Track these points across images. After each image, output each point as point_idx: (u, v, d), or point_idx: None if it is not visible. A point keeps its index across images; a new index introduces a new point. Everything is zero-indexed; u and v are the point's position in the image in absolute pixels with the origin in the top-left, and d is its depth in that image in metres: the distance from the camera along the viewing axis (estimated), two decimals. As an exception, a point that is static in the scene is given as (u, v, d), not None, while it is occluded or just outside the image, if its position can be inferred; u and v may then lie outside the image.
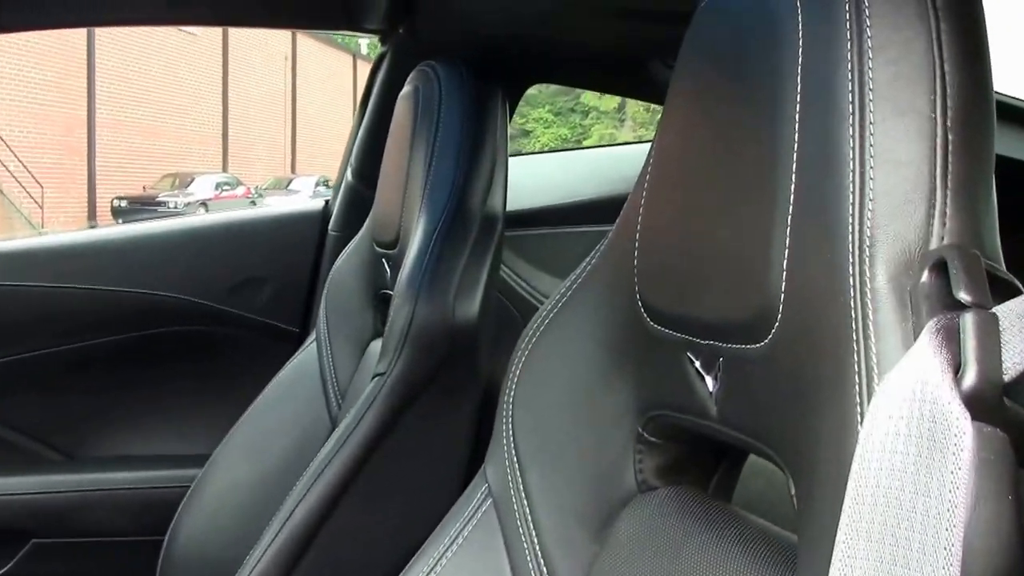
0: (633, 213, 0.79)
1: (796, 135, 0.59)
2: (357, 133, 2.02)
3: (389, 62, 1.91)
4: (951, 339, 0.49)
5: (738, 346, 0.65)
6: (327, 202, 2.12)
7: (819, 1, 0.60)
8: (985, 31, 0.58)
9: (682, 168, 0.72)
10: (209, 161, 21.37)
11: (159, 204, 17.19)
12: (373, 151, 1.85)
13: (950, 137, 0.54)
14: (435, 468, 1.40)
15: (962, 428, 0.46)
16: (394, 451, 1.36)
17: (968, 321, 0.48)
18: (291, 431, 1.67)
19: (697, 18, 0.74)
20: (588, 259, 0.86)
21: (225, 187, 19.11)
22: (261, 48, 23.19)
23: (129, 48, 18.47)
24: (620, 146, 2.32)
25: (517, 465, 0.86)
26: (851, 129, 0.55)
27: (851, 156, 0.55)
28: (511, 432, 0.88)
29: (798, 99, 0.59)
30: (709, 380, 0.69)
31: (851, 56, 0.56)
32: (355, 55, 26.73)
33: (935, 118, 0.54)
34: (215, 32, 20.91)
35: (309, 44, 25.25)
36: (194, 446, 1.94)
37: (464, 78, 1.51)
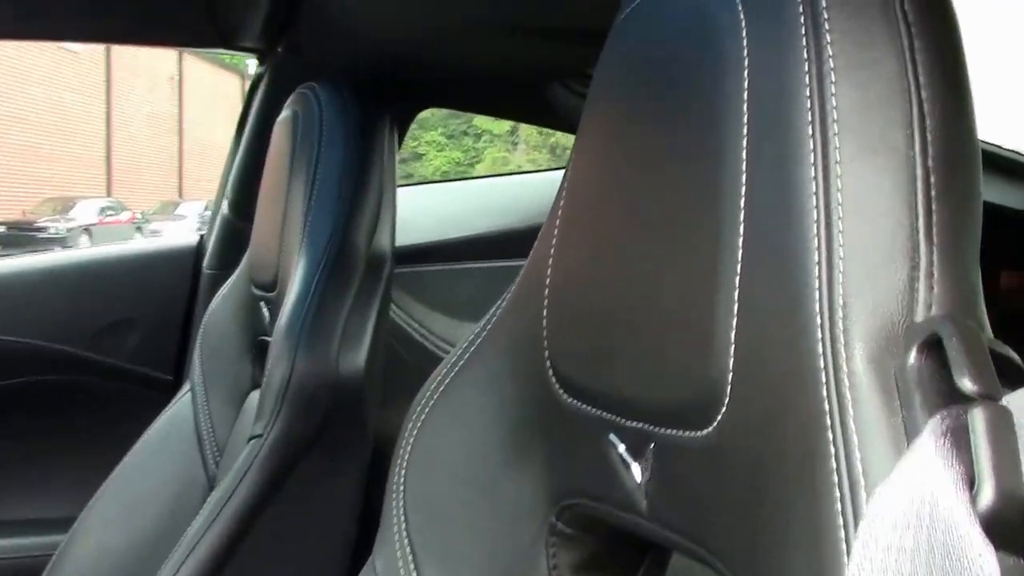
0: (541, 261, 0.68)
1: (744, 176, 0.49)
2: (234, 161, 1.88)
3: (267, 83, 1.79)
4: (961, 445, 0.39)
5: (673, 432, 0.54)
6: (202, 237, 1.97)
7: (767, 9, 0.50)
8: (962, 47, 0.48)
9: (599, 211, 0.62)
10: (94, 185, 20.85)
11: (39, 230, 16.68)
12: (251, 181, 1.72)
13: (932, 179, 0.45)
14: (321, 538, 1.28)
15: (986, 567, 0.36)
16: (275, 522, 1.23)
17: (978, 420, 0.39)
18: (164, 492, 1.53)
19: (617, 29, 0.63)
20: (491, 313, 0.74)
21: (109, 212, 18.65)
22: (146, 69, 22.74)
23: (3, 67, 17.89)
24: (516, 175, 2.23)
25: (411, 559, 0.74)
26: (813, 170, 0.46)
27: (814, 204, 0.45)
28: (403, 519, 0.75)
29: (745, 131, 0.49)
30: (636, 468, 0.58)
31: (810, 80, 0.46)
32: (243, 75, 26.41)
33: (913, 156, 0.45)
34: (98, 52, 20.45)
35: (196, 65, 24.86)
36: (56, 509, 1.78)
37: (348, 102, 1.39)
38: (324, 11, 1.47)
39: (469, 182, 2.24)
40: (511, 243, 1.84)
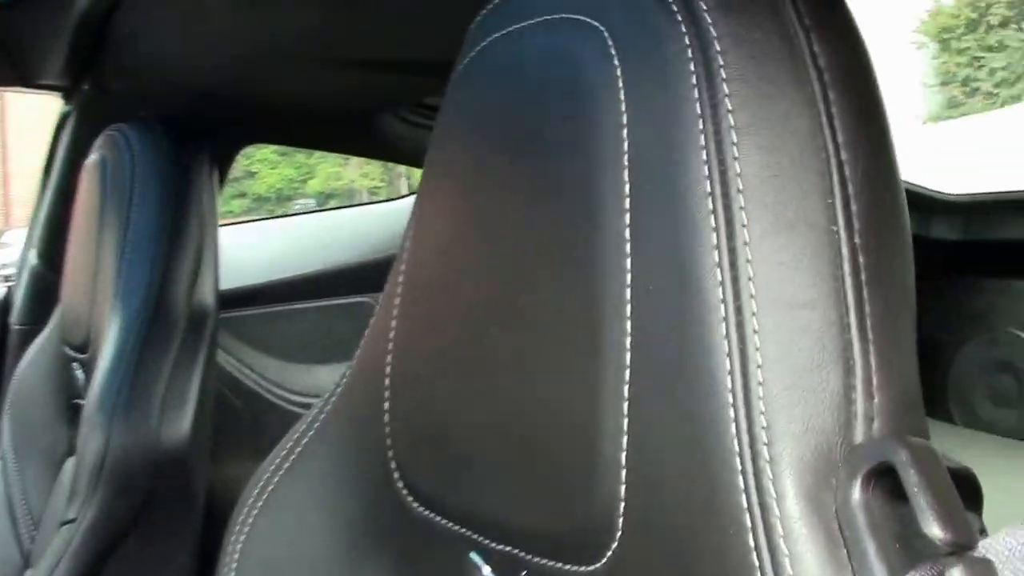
0: (382, 333, 0.58)
1: (628, 259, 0.40)
2: (41, 206, 1.74)
3: (74, 123, 1.65)
4: None
5: (552, 564, 0.45)
6: (9, 289, 1.81)
7: (646, 53, 0.41)
8: (882, 95, 0.40)
9: (450, 283, 0.52)
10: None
11: None
12: (60, 229, 1.58)
13: (861, 259, 0.37)
14: None
15: None
16: None
17: None
18: None
19: (465, 70, 0.54)
20: (336, 384, 0.64)
21: (-77, 244, 17.66)
22: (-43, 93, 21.69)
23: None
24: (343, 209, 2.15)
25: None
26: (716, 254, 0.37)
27: (720, 296, 0.37)
28: None
29: (627, 204, 0.40)
30: None
31: (706, 140, 0.38)
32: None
33: (837, 231, 0.37)
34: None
35: (11, 86, 23.89)
36: None
37: (162, 143, 1.29)
38: (132, 45, 1.36)
39: (298, 217, 2.14)
40: (344, 280, 1.77)
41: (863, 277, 0.37)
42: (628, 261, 0.40)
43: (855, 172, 0.37)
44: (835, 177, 0.37)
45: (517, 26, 0.49)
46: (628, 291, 0.40)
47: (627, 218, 0.40)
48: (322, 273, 1.80)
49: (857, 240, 0.37)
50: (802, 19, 0.39)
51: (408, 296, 0.56)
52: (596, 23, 0.43)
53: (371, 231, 1.81)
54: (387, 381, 0.57)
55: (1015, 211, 1.52)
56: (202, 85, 1.44)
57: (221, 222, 1.42)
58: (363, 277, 1.75)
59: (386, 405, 0.57)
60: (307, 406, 1.72)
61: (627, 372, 0.40)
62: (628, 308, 0.40)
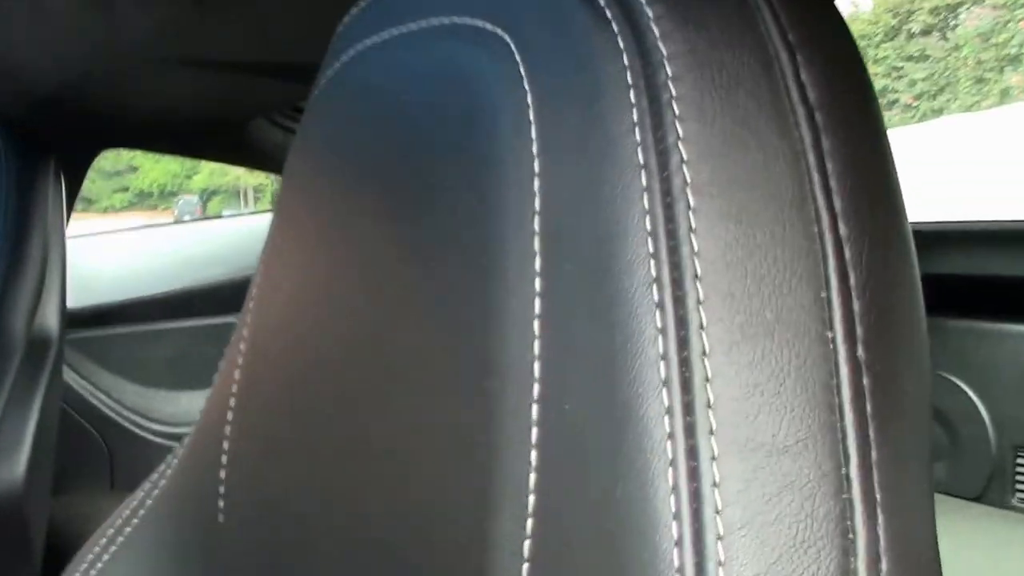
0: (222, 399, 0.47)
1: (536, 364, 0.28)
2: None
3: None
4: None
5: None
6: None
7: (566, 69, 0.29)
8: (888, 143, 0.29)
9: (300, 339, 0.41)
10: None
11: None
12: None
13: (866, 382, 0.26)
14: None
15: None
16: None
17: None
18: None
19: (330, 82, 0.42)
20: (162, 467, 0.53)
21: None
22: None
23: None
24: (215, 221, 2.01)
25: None
26: (662, 368, 0.26)
27: (666, 430, 0.26)
28: None
29: (536, 285, 0.29)
30: None
31: (651, 203, 0.27)
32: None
33: (833, 340, 0.26)
34: None
35: None
36: None
37: (3, 150, 1.17)
38: None
39: (164, 228, 2.03)
40: (213, 298, 1.67)
41: (868, 409, 0.26)
42: (537, 367, 0.29)
43: (858, 255, 0.27)
44: (831, 262, 0.27)
45: (395, 31, 0.38)
46: (535, 409, 0.28)
47: (536, 306, 0.29)
48: (189, 291, 1.70)
49: (861, 353, 0.26)
50: (785, 34, 0.28)
51: (254, 341, 0.45)
52: (501, 32, 0.32)
53: (244, 245, 1.71)
54: (224, 454, 0.46)
55: (946, 243, 1.45)
56: (46, 89, 1.32)
57: (87, 232, 1.30)
58: (234, 296, 1.64)
59: (222, 487, 0.46)
60: (169, 436, 1.62)
61: (529, 522, 0.28)
62: (534, 433, 0.28)
